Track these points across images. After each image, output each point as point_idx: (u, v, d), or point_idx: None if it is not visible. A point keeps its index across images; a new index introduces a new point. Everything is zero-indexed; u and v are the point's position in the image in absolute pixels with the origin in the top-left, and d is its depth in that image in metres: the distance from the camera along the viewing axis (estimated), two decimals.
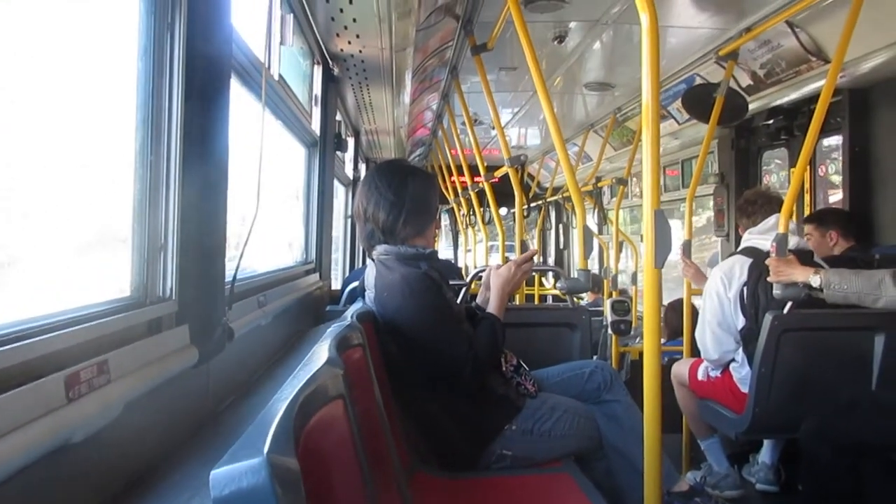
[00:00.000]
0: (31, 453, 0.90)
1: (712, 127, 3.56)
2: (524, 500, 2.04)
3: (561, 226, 9.03)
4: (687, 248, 3.54)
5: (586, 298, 6.02)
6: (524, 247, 3.44)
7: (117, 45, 1.48)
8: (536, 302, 6.18)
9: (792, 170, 4.11)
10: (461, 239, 9.72)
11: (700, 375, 3.15)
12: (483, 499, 2.05)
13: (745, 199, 3.23)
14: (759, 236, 2.99)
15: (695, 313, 3.42)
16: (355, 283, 3.58)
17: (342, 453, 1.21)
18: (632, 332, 4.47)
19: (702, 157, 3.70)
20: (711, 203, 4.97)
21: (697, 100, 3.78)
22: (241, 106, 2.12)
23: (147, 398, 1.27)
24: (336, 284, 4.60)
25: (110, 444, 1.16)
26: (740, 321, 2.89)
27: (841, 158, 3.80)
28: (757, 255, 2.90)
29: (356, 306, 2.45)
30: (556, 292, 6.85)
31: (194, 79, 1.55)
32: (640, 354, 4.27)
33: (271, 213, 2.93)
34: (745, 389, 2.85)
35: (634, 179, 6.46)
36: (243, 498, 0.73)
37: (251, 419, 0.93)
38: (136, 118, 1.48)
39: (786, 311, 2.68)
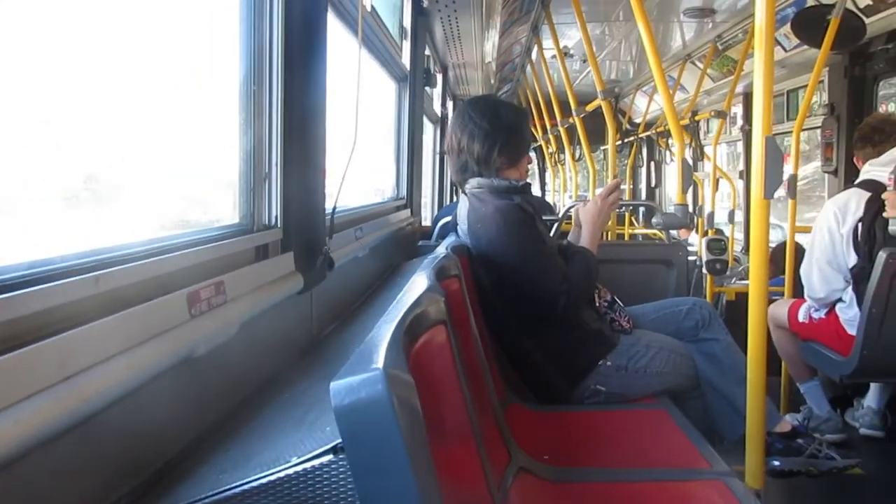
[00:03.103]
0: (161, 363, 0.96)
1: (824, 53, 3.30)
2: (620, 434, 2.04)
3: (653, 163, 8.73)
4: (793, 184, 3.35)
5: (680, 236, 5.84)
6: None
7: None
8: (627, 240, 6.05)
9: None
10: (549, 176, 9.58)
11: (801, 317, 3.01)
12: (578, 432, 2.05)
13: (870, 126, 2.99)
14: (881, 168, 2.74)
15: (799, 252, 3.26)
16: (447, 219, 3.59)
17: (447, 377, 1.23)
18: (728, 272, 4.33)
19: (811, 85, 3.45)
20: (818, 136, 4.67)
21: (809, 23, 3.50)
22: (336, 38, 2.12)
23: (258, 320, 1.33)
24: (426, 222, 4.64)
25: (227, 361, 1.23)
26: (852, 259, 2.72)
27: None
28: (877, 189, 2.69)
29: (449, 240, 2.47)
30: (648, 231, 6.68)
31: (293, 11, 1.56)
32: (737, 295, 4.18)
33: (367, 147, 2.96)
34: (851, 331, 2.72)
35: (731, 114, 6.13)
36: (362, 408, 0.76)
37: (353, 344, 0.96)
38: (239, 48, 1.51)
39: None
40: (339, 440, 0.80)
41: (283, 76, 1.56)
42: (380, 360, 0.81)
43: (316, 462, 0.82)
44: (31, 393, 0.76)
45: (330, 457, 0.82)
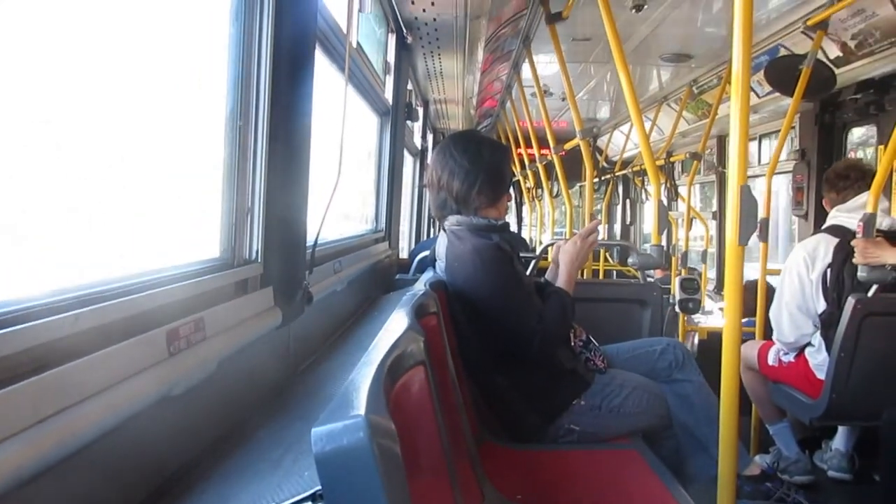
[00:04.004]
0: (139, 402, 0.95)
1: (797, 101, 3.41)
2: (591, 474, 2.04)
3: (628, 201, 8.86)
4: (764, 228, 3.42)
5: (654, 275, 5.91)
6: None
7: (210, 13, 1.52)
8: (601, 278, 6.10)
9: (881, 147, 3.91)
10: (525, 211, 9.65)
11: (771, 360, 3.05)
12: (550, 471, 2.05)
13: (835, 172, 3.04)
14: (847, 214, 2.82)
15: (770, 293, 3.32)
16: (425, 253, 3.60)
17: (424, 418, 1.23)
18: (700, 312, 4.38)
19: (784, 131, 3.55)
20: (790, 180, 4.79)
21: (782, 71, 3.62)
22: (322, 72, 2.14)
23: (236, 357, 1.32)
24: (403, 254, 4.64)
25: (204, 398, 1.21)
26: (821, 305, 2.78)
27: None
28: (843, 235, 2.75)
29: (427, 275, 2.47)
30: (623, 268, 6.75)
31: (282, 46, 1.57)
32: (708, 334, 4.23)
33: (349, 182, 2.96)
34: (820, 375, 2.76)
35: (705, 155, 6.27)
36: (343, 455, 0.75)
37: (330, 381, 0.96)
38: (226, 83, 1.52)
39: (870, 294, 2.57)
40: (319, 487, 0.79)
41: (270, 112, 1.56)
42: (361, 406, 0.81)
43: None
44: (2, 438, 0.74)
45: None
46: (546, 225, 7.42)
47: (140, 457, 1.03)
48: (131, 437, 0.98)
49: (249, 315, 1.43)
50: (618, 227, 9.13)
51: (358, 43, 2.62)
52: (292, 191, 1.67)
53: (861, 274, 2.58)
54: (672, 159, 5.98)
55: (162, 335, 1.06)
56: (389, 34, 3.53)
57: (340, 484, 0.76)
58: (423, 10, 3.15)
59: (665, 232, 5.99)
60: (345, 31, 2.32)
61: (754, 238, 3.33)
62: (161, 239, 1.37)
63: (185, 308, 1.19)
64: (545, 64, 4.60)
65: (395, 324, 1.37)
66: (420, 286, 2.11)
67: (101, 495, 0.95)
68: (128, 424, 0.94)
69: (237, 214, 1.53)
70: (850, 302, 2.56)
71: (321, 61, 2.21)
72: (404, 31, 3.49)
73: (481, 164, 2.22)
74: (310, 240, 1.83)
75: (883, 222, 2.67)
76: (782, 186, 5.34)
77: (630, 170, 7.44)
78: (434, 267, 2.48)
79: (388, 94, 3.60)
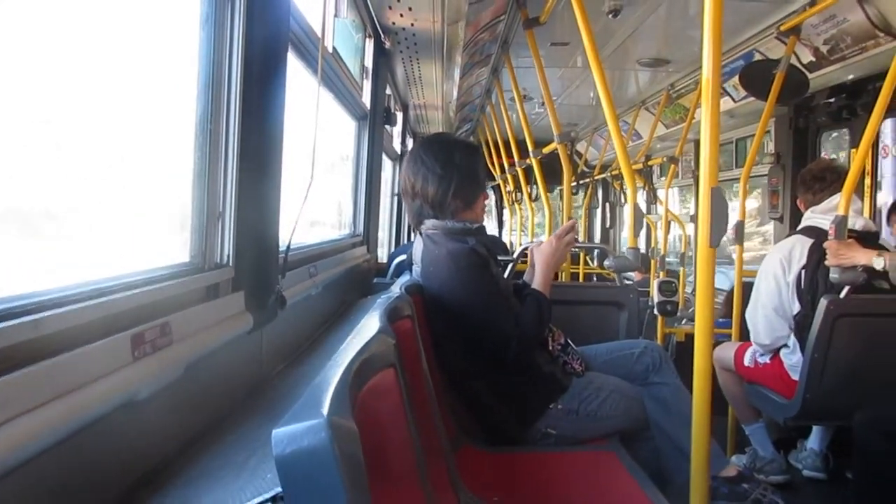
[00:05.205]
0: (101, 407, 0.94)
1: (770, 105, 3.45)
2: (569, 477, 2.05)
3: (608, 205, 8.91)
4: (740, 230, 3.45)
5: (634, 278, 5.94)
6: None
7: (180, 15, 1.51)
8: (581, 280, 6.13)
9: (853, 150, 3.97)
10: (506, 215, 9.67)
11: (747, 361, 3.07)
12: (527, 474, 2.05)
13: (811, 173, 3.05)
14: (822, 216, 2.84)
15: (746, 295, 3.35)
16: (402, 257, 3.60)
17: (394, 421, 1.22)
18: (678, 314, 4.41)
19: (758, 136, 3.59)
20: (765, 184, 4.84)
21: (756, 76, 3.66)
22: (295, 76, 2.13)
23: (205, 361, 1.31)
24: (382, 258, 4.63)
25: (171, 404, 1.20)
26: (796, 306, 2.80)
27: None
28: (818, 236, 2.77)
29: (404, 279, 2.47)
30: (602, 271, 6.79)
31: (253, 49, 1.57)
32: (686, 336, 4.25)
33: (324, 185, 2.96)
34: (795, 376, 2.78)
35: (683, 159, 6.33)
36: (304, 457, 0.75)
37: (302, 386, 0.95)
38: (197, 86, 1.51)
39: (842, 295, 2.60)
40: (279, 489, 0.79)
41: (241, 115, 1.56)
42: (324, 408, 0.80)
43: None
44: None
45: None
46: (526, 229, 7.45)
47: (102, 462, 1.02)
48: (93, 442, 0.97)
49: (219, 319, 1.42)
50: (599, 230, 9.17)
51: (334, 48, 2.62)
52: (264, 195, 1.66)
53: (833, 275, 2.61)
54: (650, 163, 6.02)
55: (126, 339, 1.05)
56: (367, 40, 3.53)
57: (301, 485, 0.75)
58: (401, 16, 3.16)
59: (647, 235, 6.04)
60: (319, 35, 2.31)
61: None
62: (130, 242, 1.36)
63: (153, 312, 1.19)
64: (525, 69, 4.63)
65: (366, 327, 1.37)
66: (396, 290, 2.11)
67: (61, 502, 0.94)
68: (89, 429, 0.93)
69: (208, 218, 1.52)
70: (823, 303, 2.59)
71: (296, 66, 2.21)
72: (382, 36, 3.50)
73: (454, 167, 2.21)
74: (283, 244, 1.82)
75: (856, 223, 2.70)
76: None
77: (609, 173, 7.49)
78: (411, 271, 2.47)
79: (367, 99, 3.60)
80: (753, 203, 6.04)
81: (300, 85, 2.21)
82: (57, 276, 1.04)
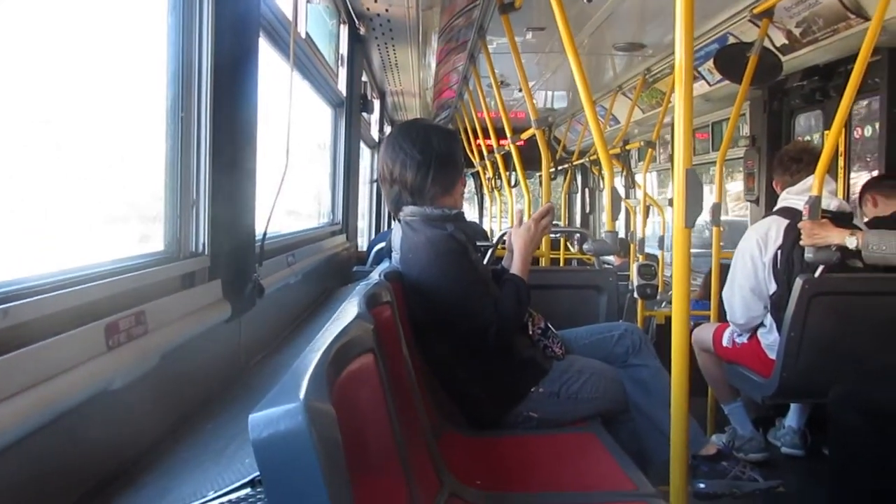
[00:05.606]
0: (74, 397, 0.93)
1: (745, 88, 3.47)
2: (551, 458, 2.06)
3: (587, 190, 8.94)
4: (717, 212, 3.48)
5: (614, 262, 5.98)
6: None
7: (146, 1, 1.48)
8: (561, 265, 6.15)
9: (826, 132, 4.01)
10: (486, 202, 9.68)
11: (725, 341, 3.11)
12: (509, 457, 2.07)
13: (788, 155, 3.09)
14: (798, 196, 2.86)
15: (723, 277, 3.38)
16: (382, 245, 3.59)
17: (374, 407, 1.22)
18: (658, 297, 4.45)
19: (733, 118, 3.62)
20: (741, 167, 4.88)
21: (730, 59, 3.68)
22: (269, 65, 2.11)
23: (181, 350, 1.30)
24: (362, 246, 4.62)
25: (147, 393, 1.19)
26: (772, 286, 2.83)
27: (879, 121, 3.69)
28: (794, 217, 2.80)
29: (383, 266, 2.46)
30: (583, 256, 6.82)
31: (224, 35, 1.55)
32: (666, 319, 4.29)
33: (300, 173, 2.93)
34: (772, 355, 2.82)
35: (661, 143, 6.36)
36: (281, 441, 0.75)
37: (282, 373, 0.95)
38: (166, 74, 1.49)
39: (817, 274, 2.64)
40: (258, 473, 0.79)
41: (213, 102, 1.54)
42: (301, 392, 0.80)
43: (233, 496, 0.81)
44: None
45: (248, 490, 0.80)
46: (507, 215, 7.46)
47: (76, 453, 1.01)
48: (66, 433, 0.96)
49: (196, 308, 1.40)
50: (578, 215, 9.20)
51: (307, 34, 2.60)
52: (239, 182, 1.65)
53: (808, 255, 2.64)
54: (628, 147, 6.04)
55: (100, 329, 1.03)
56: (342, 26, 3.50)
57: (279, 469, 0.75)
58: (375, 1, 3.14)
59: (626, 220, 6.07)
60: (291, 20, 2.29)
61: None
62: (102, 232, 1.34)
63: (127, 301, 1.17)
64: (502, 55, 4.62)
65: (345, 313, 1.37)
66: (375, 276, 2.10)
67: (34, 493, 0.93)
68: (62, 420, 0.92)
69: (182, 207, 1.51)
70: (798, 283, 2.62)
71: (268, 52, 2.18)
72: (357, 22, 3.47)
73: (432, 153, 2.20)
74: (259, 232, 1.80)
75: (831, 203, 2.74)
76: None
77: (588, 159, 7.52)
78: (390, 258, 2.47)
79: (343, 86, 3.58)
80: (739, 186, 6.08)
81: (274, 73, 2.19)
82: (27, 266, 1.03)
